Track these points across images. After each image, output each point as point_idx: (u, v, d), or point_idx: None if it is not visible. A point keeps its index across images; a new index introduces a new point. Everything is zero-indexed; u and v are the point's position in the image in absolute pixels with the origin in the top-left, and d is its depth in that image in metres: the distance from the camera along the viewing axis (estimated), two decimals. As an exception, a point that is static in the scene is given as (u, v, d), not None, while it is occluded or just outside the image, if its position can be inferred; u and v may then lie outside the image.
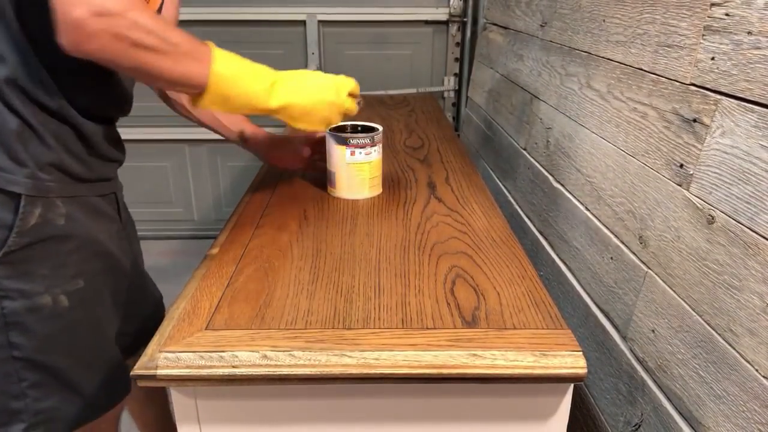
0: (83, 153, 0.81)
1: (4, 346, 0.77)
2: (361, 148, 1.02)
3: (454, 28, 2.33)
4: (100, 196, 0.86)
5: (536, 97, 1.40)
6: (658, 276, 0.83)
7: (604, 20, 1.07)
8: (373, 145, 1.03)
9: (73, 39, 0.63)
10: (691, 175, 0.77)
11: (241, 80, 0.79)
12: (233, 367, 0.62)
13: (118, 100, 0.87)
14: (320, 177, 1.11)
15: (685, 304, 0.76)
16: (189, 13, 2.20)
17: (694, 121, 0.77)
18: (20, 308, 0.76)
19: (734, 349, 0.67)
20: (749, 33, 0.68)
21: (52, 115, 0.75)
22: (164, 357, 0.62)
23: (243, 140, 1.14)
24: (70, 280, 0.81)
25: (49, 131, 0.75)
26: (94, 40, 0.63)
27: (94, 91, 0.81)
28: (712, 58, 0.75)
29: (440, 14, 2.31)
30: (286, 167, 1.17)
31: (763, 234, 0.64)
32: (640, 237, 0.88)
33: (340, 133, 1.03)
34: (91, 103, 0.80)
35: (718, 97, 0.73)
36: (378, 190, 1.09)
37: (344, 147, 1.02)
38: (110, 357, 0.91)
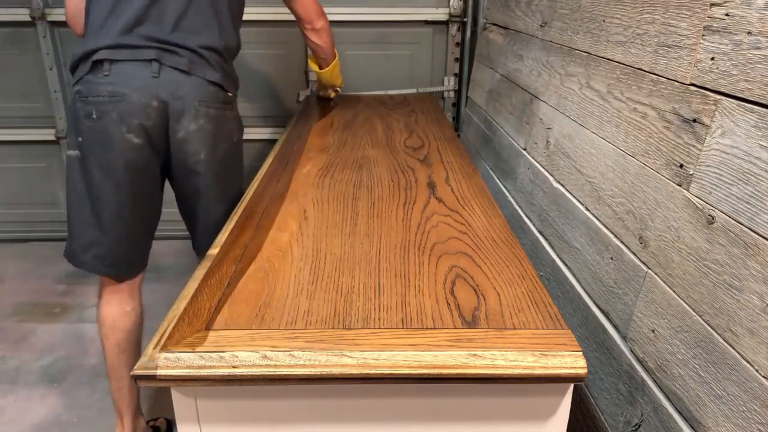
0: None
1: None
2: None
3: (454, 28, 2.33)
4: None
5: (536, 97, 1.40)
6: (658, 276, 0.83)
7: (604, 20, 1.07)
8: None
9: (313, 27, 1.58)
10: (691, 175, 0.77)
11: (336, 68, 1.82)
12: (233, 367, 0.62)
13: None
14: (320, 178, 1.11)
15: (685, 304, 0.76)
16: (189, 13, 2.20)
17: (694, 121, 0.77)
18: None
19: (734, 349, 0.67)
20: (749, 33, 0.68)
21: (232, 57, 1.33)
22: (164, 357, 0.62)
23: None
24: None
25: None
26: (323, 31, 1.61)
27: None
28: (712, 58, 0.75)
29: (440, 14, 2.31)
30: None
31: (763, 234, 0.64)
32: (640, 237, 0.88)
33: None
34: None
35: (718, 97, 0.73)
36: None
37: None
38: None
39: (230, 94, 1.25)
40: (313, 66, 1.81)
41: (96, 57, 1.12)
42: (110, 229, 1.16)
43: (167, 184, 1.30)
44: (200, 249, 1.35)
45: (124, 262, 1.23)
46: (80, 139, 1.13)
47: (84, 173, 1.14)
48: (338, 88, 1.98)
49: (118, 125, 1.11)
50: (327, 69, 1.76)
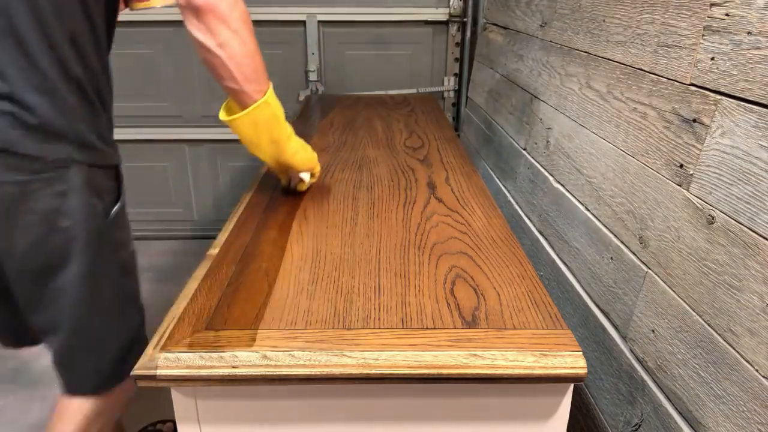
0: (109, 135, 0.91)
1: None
2: None
3: (454, 28, 2.33)
4: None
5: (536, 97, 1.40)
6: (658, 276, 0.83)
7: (604, 20, 1.07)
8: None
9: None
10: (691, 175, 0.77)
11: (280, 115, 0.94)
12: (233, 367, 0.62)
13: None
14: (320, 177, 1.10)
15: (685, 304, 0.76)
16: (189, 13, 2.20)
17: (694, 121, 0.77)
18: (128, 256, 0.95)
19: (734, 349, 0.67)
20: (749, 33, 0.68)
21: (102, 97, 0.86)
22: (164, 357, 0.62)
23: None
24: (130, 231, 0.98)
25: (106, 115, 0.87)
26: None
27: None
28: (712, 58, 0.75)
29: (440, 14, 2.31)
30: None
31: (763, 234, 0.64)
32: (640, 237, 0.88)
33: None
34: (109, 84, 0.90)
35: (718, 97, 0.73)
36: None
37: None
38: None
39: (45, 159, 0.76)
40: (222, 115, 0.92)
41: None
42: None
43: None
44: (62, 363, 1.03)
45: None
46: None
47: None
48: (305, 175, 1.02)
49: None
50: (249, 113, 0.87)
